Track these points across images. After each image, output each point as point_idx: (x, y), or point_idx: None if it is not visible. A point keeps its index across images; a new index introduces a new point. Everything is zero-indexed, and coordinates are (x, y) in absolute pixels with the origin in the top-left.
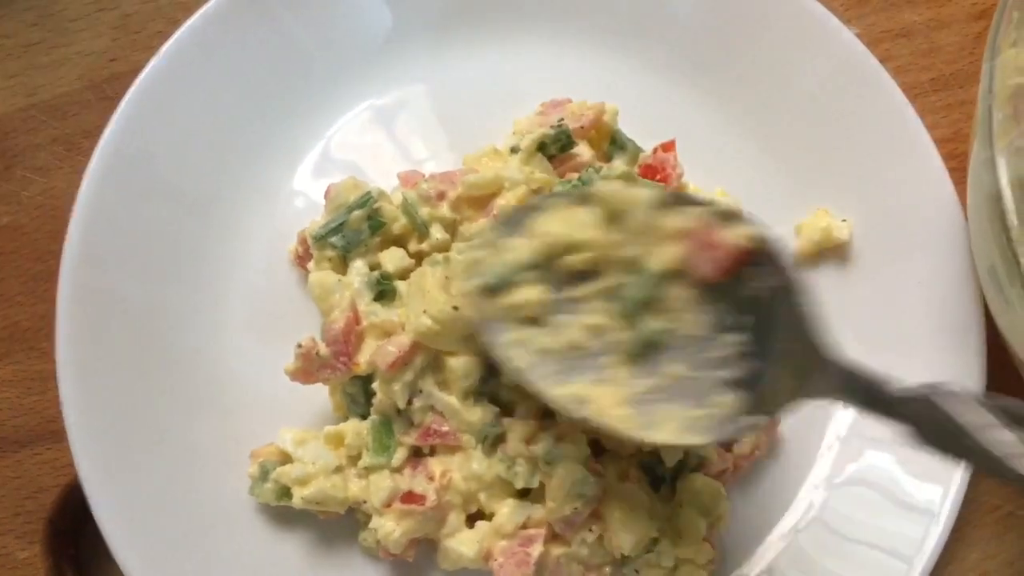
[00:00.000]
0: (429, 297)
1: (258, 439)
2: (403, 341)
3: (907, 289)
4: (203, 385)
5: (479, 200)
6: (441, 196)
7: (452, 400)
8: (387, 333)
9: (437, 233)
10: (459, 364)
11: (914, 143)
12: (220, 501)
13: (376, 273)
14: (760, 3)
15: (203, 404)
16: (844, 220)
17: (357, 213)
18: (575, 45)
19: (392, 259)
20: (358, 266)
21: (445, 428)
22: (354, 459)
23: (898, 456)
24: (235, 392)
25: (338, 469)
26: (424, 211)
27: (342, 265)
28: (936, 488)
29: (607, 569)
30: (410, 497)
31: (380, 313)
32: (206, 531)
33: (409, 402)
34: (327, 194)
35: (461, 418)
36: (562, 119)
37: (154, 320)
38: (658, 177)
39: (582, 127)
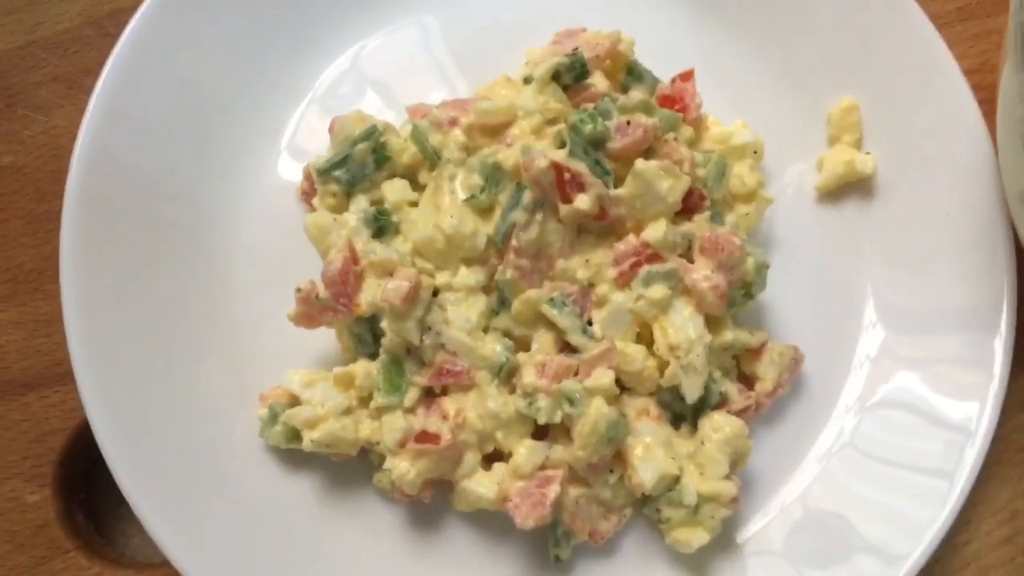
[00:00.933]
0: (442, 210)
1: (268, 381)
2: (411, 273)
3: (935, 223)
4: (211, 326)
5: (492, 129)
6: (453, 123)
7: (463, 336)
8: (387, 271)
9: (451, 154)
10: (465, 282)
11: (941, 73)
12: (230, 443)
13: (373, 208)
14: None
15: (212, 345)
16: (868, 153)
17: (361, 146)
18: None
19: (393, 190)
20: (358, 202)
21: (458, 367)
22: (365, 400)
23: (931, 375)
24: (244, 333)
25: (348, 411)
26: (435, 138)
27: (347, 201)
28: (972, 405)
29: (627, 509)
30: (424, 436)
31: (379, 251)
32: (217, 473)
33: (419, 340)
34: (331, 128)
35: (474, 354)
36: (577, 48)
37: (160, 261)
38: (677, 107)
39: (597, 56)
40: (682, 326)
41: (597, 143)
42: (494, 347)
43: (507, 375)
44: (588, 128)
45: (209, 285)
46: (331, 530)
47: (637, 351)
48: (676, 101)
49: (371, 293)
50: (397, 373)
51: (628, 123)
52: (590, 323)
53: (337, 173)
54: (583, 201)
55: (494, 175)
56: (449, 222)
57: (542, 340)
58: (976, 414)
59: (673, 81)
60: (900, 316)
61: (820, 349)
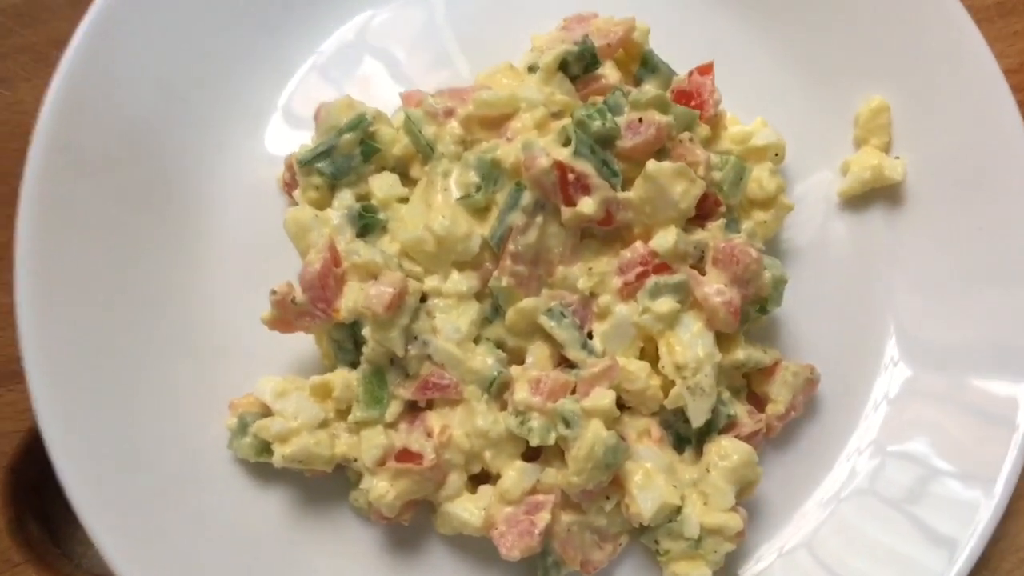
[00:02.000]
0: (433, 208)
1: (241, 387)
2: (396, 277)
3: (968, 238)
4: (180, 325)
5: (492, 121)
6: (449, 113)
7: (451, 347)
8: (371, 274)
9: (446, 148)
10: (456, 288)
11: (979, 72)
12: (195, 454)
13: (359, 205)
14: None
15: (180, 346)
16: (898, 158)
17: (348, 136)
18: None
19: (382, 185)
20: (342, 197)
21: (446, 380)
22: (343, 413)
23: (954, 418)
24: (215, 334)
25: (324, 424)
26: (429, 130)
27: (331, 196)
28: (994, 452)
29: (623, 538)
30: (406, 455)
31: (363, 252)
32: (179, 486)
33: (404, 351)
34: (317, 115)
35: (463, 366)
36: (587, 35)
37: (125, 251)
38: (693, 103)
39: (609, 45)
40: (690, 343)
41: (605, 141)
42: (485, 360)
43: (498, 390)
44: (596, 124)
45: (180, 280)
46: (302, 551)
47: (640, 368)
48: (693, 96)
49: (352, 298)
50: (378, 385)
51: (640, 120)
52: (590, 336)
53: (321, 165)
54: (587, 204)
55: (491, 173)
56: (440, 222)
57: (537, 353)
58: (998, 461)
59: (690, 75)
60: (925, 348)
61: (837, 369)
